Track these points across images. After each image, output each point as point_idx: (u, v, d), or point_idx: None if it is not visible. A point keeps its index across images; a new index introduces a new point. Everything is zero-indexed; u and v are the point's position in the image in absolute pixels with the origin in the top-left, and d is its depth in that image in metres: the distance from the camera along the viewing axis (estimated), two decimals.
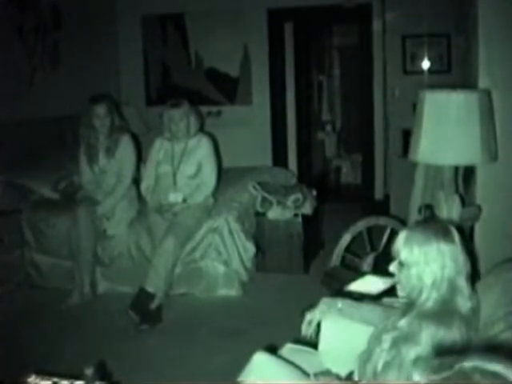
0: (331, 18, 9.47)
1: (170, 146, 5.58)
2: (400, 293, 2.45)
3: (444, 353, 2.03)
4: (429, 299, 2.29)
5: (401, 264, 2.36)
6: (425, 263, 2.28)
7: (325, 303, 2.81)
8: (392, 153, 7.83)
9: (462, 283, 2.30)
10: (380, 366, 2.28)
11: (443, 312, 2.24)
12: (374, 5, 7.79)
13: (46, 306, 5.34)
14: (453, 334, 2.17)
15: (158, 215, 5.44)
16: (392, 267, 2.41)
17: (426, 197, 4.19)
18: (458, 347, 2.12)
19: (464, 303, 2.27)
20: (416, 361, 2.11)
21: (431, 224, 2.47)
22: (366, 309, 2.78)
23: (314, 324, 2.79)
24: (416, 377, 1.18)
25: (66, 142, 6.72)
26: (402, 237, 2.38)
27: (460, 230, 2.45)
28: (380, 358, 2.30)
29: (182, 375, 4.01)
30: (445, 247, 2.28)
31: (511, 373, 1.11)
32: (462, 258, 2.31)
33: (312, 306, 4.48)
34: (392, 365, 2.22)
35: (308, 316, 2.83)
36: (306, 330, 2.81)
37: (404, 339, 2.24)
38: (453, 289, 2.28)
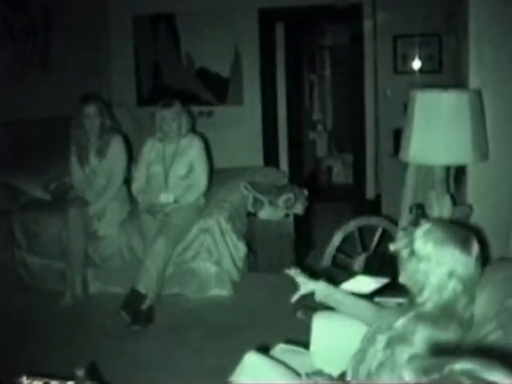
0: (322, 17, 9.48)
1: (162, 147, 5.57)
2: (401, 279, 2.42)
3: (438, 353, 2.04)
4: (429, 301, 2.28)
5: (412, 253, 2.33)
6: (435, 263, 2.25)
7: (324, 287, 2.79)
8: (383, 152, 7.84)
9: (469, 294, 2.29)
10: (374, 367, 2.27)
11: (442, 316, 2.23)
12: (364, 5, 7.79)
13: (38, 307, 5.33)
14: (448, 337, 2.17)
15: (150, 216, 5.44)
16: (404, 252, 2.37)
17: (418, 196, 4.20)
18: (452, 348, 2.12)
19: (465, 311, 2.27)
20: (409, 360, 2.10)
21: (456, 227, 2.39)
22: (362, 305, 2.75)
23: (300, 292, 2.80)
24: (406, 376, 1.17)
25: (56, 142, 6.69)
26: (423, 226, 2.34)
27: (482, 240, 2.41)
28: (374, 358, 2.29)
29: (174, 375, 4.01)
30: (459, 256, 2.24)
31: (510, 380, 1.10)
32: (473, 271, 2.27)
33: (303, 305, 4.48)
34: (385, 365, 2.21)
35: (301, 279, 2.82)
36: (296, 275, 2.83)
37: (398, 339, 2.23)
38: (456, 297, 2.26)
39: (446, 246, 2.25)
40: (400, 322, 2.30)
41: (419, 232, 2.33)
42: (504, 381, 1.10)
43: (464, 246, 2.26)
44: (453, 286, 2.25)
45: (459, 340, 2.18)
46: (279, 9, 7.91)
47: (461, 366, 1.13)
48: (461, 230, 2.37)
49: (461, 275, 2.24)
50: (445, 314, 2.24)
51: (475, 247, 2.29)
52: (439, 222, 2.43)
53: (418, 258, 2.30)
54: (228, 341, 4.51)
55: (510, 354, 1.97)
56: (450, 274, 2.24)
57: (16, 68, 6.42)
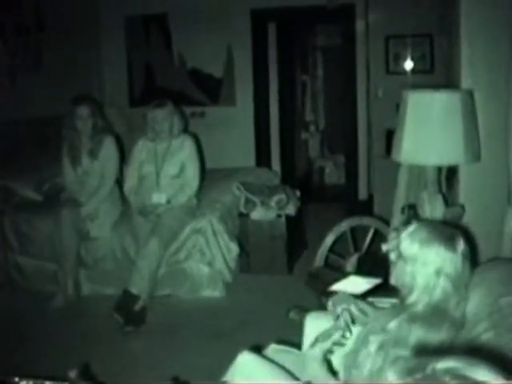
0: (314, 18, 9.48)
1: (153, 147, 5.56)
2: (392, 281, 2.42)
3: (424, 353, 2.03)
4: (419, 302, 2.27)
5: (399, 255, 2.33)
6: (421, 264, 2.25)
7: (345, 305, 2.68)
8: (375, 153, 7.84)
9: (459, 293, 2.28)
10: (366, 370, 2.26)
11: (434, 316, 2.23)
12: (357, 5, 7.80)
13: (30, 309, 5.31)
14: (441, 337, 2.17)
15: (142, 216, 5.42)
16: (392, 254, 2.38)
17: (410, 197, 4.20)
18: (441, 348, 2.12)
19: (456, 310, 2.27)
20: (393, 361, 2.08)
21: (441, 227, 2.40)
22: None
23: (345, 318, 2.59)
24: (390, 377, 1.16)
25: (48, 143, 6.68)
26: (409, 228, 2.35)
27: (469, 238, 2.41)
28: (366, 360, 2.28)
29: (167, 376, 4.00)
30: (444, 253, 2.23)
31: (496, 376, 1.09)
32: (461, 267, 2.26)
33: (296, 306, 4.48)
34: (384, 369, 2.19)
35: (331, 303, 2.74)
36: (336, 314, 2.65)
37: (393, 343, 2.22)
38: (447, 297, 2.26)
39: (431, 245, 2.25)
40: (392, 325, 2.28)
41: (405, 234, 2.34)
42: (488, 378, 1.09)
43: (449, 243, 2.26)
44: (442, 285, 2.25)
45: (452, 340, 2.18)
46: (272, 9, 7.91)
47: (443, 364, 1.12)
48: (446, 229, 2.37)
49: (448, 273, 2.24)
50: (437, 313, 2.24)
51: (460, 244, 2.28)
52: (425, 222, 2.44)
53: (405, 260, 2.31)
54: (220, 341, 4.51)
55: (501, 353, 1.97)
56: (438, 273, 2.24)
57: (7, 68, 6.39)
